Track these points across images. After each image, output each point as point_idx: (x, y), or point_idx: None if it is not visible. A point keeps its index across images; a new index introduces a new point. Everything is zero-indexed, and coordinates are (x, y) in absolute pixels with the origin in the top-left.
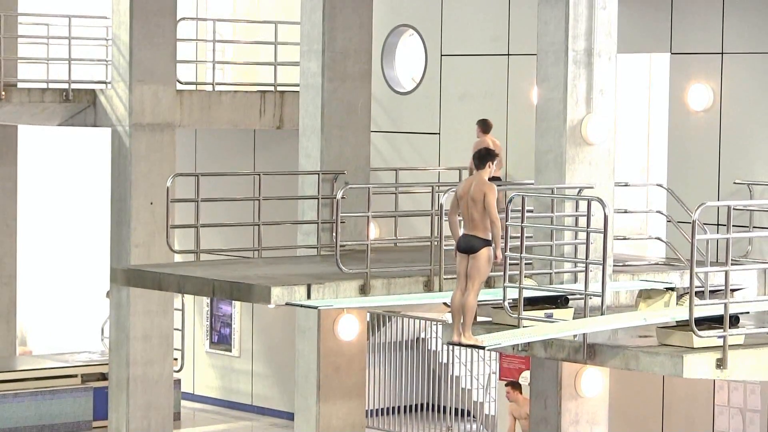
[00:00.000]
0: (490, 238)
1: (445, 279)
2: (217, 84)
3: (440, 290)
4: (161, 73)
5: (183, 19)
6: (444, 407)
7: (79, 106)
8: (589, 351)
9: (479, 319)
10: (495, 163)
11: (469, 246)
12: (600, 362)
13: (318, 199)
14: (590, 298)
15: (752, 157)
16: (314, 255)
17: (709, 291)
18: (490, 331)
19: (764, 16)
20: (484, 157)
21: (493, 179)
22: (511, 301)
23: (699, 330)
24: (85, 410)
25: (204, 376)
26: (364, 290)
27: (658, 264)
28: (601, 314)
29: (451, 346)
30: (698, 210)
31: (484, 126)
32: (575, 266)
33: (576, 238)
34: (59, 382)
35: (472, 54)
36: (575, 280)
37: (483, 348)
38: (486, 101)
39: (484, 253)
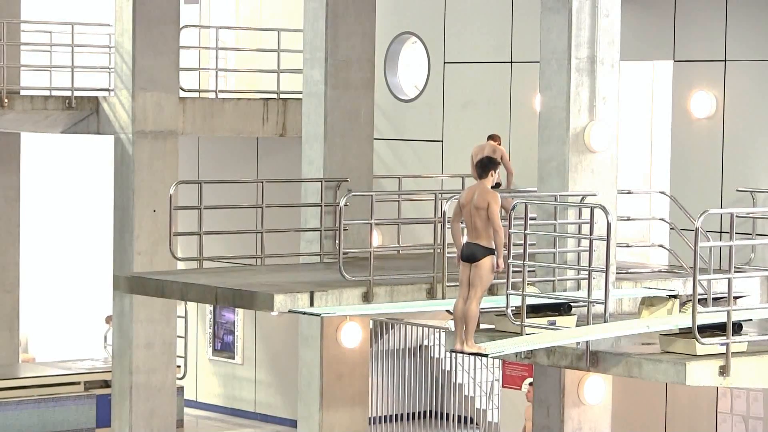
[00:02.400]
0: (493, 247)
1: (447, 286)
2: (220, 91)
3: (443, 297)
4: (164, 81)
5: (186, 26)
6: (447, 415)
7: (82, 113)
8: (592, 358)
9: (482, 326)
10: (497, 171)
11: (471, 254)
12: (603, 370)
13: (321, 206)
14: (593, 306)
15: (755, 164)
16: (317, 262)
17: (712, 298)
18: (493, 338)
19: (767, 23)
20: (486, 166)
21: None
22: (514, 308)
23: (702, 337)
24: (88, 418)
25: (207, 383)
26: (367, 298)
27: (661, 271)
28: (604, 322)
29: (454, 354)
30: (701, 217)
31: (492, 139)
32: (578, 274)
33: (579, 246)
34: (62, 389)
35: (474, 62)
36: (578, 288)
37: (485, 356)
38: (489, 109)
39: (487, 261)
